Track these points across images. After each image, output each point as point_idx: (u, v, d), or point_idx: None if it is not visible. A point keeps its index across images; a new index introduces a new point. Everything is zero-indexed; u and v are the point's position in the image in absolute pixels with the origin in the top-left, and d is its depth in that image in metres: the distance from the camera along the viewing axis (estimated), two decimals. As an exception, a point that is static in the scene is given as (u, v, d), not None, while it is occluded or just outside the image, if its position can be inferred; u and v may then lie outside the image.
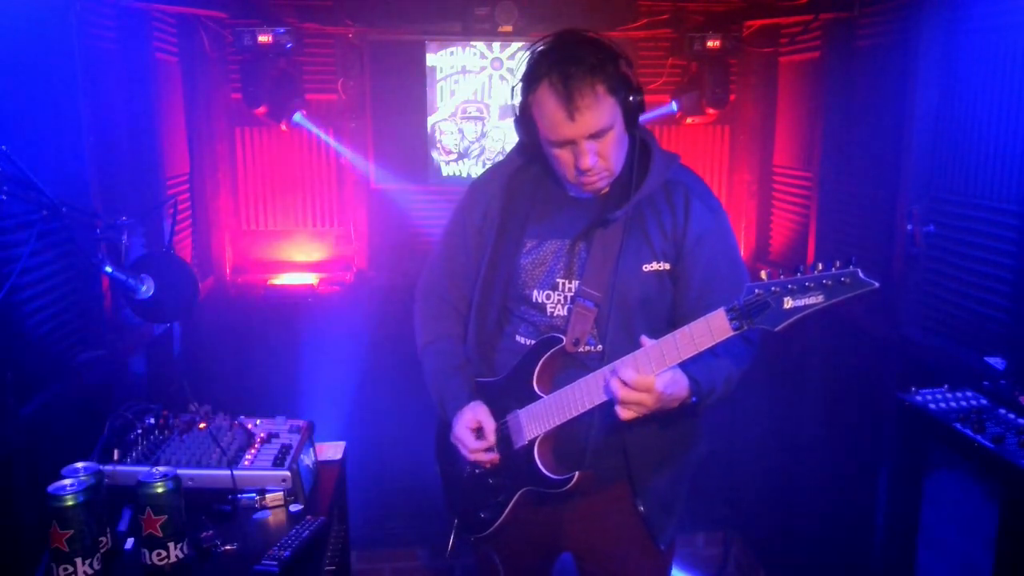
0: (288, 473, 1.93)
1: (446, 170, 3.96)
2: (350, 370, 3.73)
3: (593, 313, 1.74)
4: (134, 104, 2.85)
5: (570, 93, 1.59)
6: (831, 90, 3.22)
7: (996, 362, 2.19)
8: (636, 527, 1.86)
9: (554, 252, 1.80)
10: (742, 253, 4.00)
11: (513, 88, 1.75)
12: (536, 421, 1.76)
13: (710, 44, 3.47)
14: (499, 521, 1.85)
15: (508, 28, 3.63)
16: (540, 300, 1.81)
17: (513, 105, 1.78)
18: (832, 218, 3.25)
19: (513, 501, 1.83)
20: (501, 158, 2.00)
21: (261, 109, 3.43)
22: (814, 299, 1.41)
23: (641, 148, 1.77)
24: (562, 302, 1.80)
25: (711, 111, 3.65)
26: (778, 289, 1.43)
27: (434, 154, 3.93)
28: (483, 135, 3.95)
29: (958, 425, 1.92)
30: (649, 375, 1.53)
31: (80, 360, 2.31)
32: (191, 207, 3.54)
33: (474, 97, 3.90)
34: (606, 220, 1.74)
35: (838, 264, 1.41)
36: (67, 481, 1.58)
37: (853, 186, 3.12)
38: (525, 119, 1.73)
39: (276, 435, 2.11)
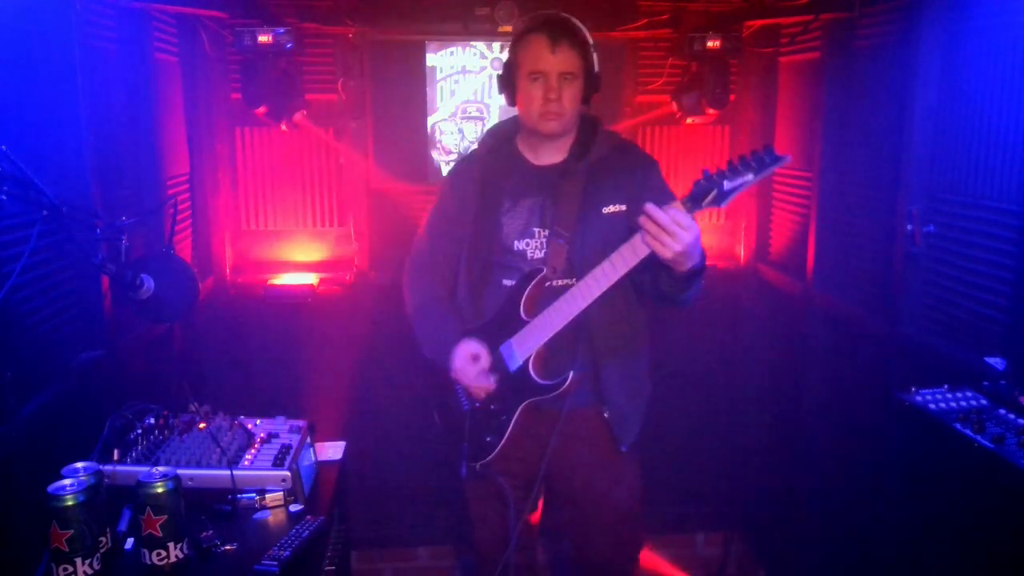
0: (288, 473, 1.93)
1: (446, 170, 3.95)
2: (350, 370, 3.73)
3: (565, 248, 2.12)
4: (134, 104, 2.85)
5: (556, 37, 2.08)
6: (831, 90, 3.22)
7: (996, 362, 2.19)
8: (602, 434, 2.25)
9: (529, 207, 2.20)
10: (741, 253, 4.01)
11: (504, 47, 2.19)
12: (527, 342, 2.11)
13: (710, 44, 3.46)
14: (504, 439, 2.18)
15: (508, 28, 3.63)
16: (521, 248, 2.20)
17: (499, 60, 2.14)
18: (832, 218, 3.25)
19: (514, 418, 2.16)
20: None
21: (261, 109, 3.43)
22: (745, 177, 1.77)
23: (592, 123, 2.25)
24: (539, 247, 2.18)
25: (711, 111, 3.64)
26: (716, 177, 1.79)
27: (434, 154, 3.93)
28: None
29: (958, 425, 1.92)
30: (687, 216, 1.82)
31: (80, 360, 2.31)
32: (191, 207, 3.54)
33: (474, 97, 3.90)
34: (569, 170, 2.18)
35: (757, 151, 1.78)
36: (67, 481, 1.58)
37: (853, 186, 3.11)
38: (508, 68, 2.20)
39: (276, 435, 2.11)
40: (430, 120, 3.89)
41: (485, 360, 2.15)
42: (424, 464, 3.65)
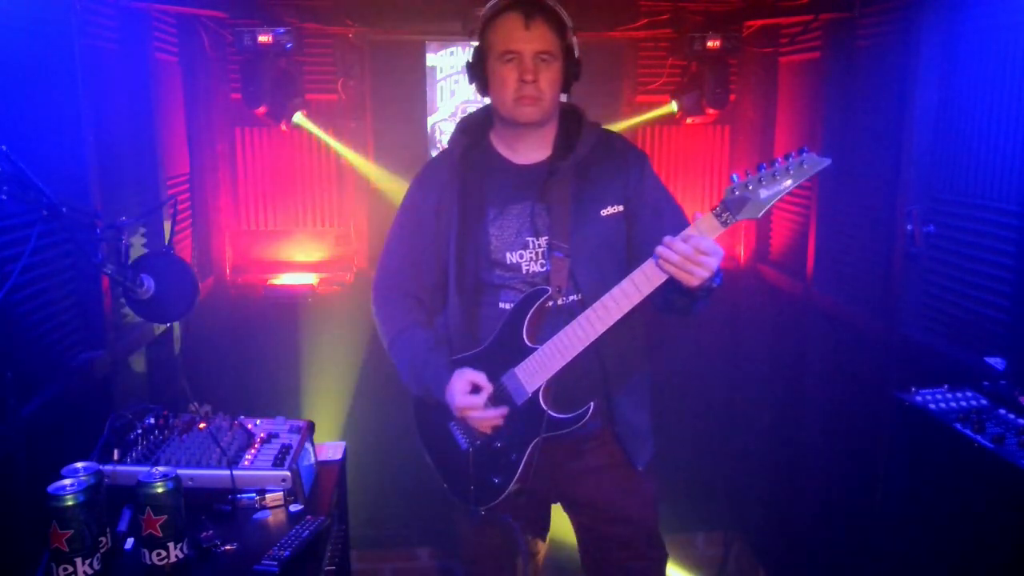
0: (288, 473, 1.92)
1: (446, 170, 3.95)
2: (350, 370, 3.73)
3: (566, 263, 1.91)
4: (134, 104, 2.85)
5: (530, 14, 1.86)
6: (831, 90, 3.22)
7: (996, 362, 2.19)
8: (616, 454, 2.06)
9: (517, 214, 1.96)
10: (741, 253, 4.01)
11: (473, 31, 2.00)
12: (537, 372, 1.88)
13: (710, 44, 3.47)
14: (514, 480, 1.95)
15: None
16: (514, 260, 1.95)
17: (470, 48, 2.02)
18: (832, 218, 3.25)
19: (526, 456, 1.93)
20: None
21: (261, 109, 3.43)
22: (783, 183, 1.61)
23: (575, 116, 2.02)
24: (534, 258, 1.95)
25: (711, 111, 3.65)
26: (752, 184, 1.62)
27: (434, 154, 3.93)
28: (483, 135, 3.94)
29: (958, 425, 1.92)
30: (709, 241, 1.67)
31: (80, 360, 2.31)
32: (191, 207, 3.54)
33: (474, 97, 3.90)
34: (555, 170, 1.94)
35: (793, 153, 1.61)
36: (67, 481, 1.58)
37: (853, 186, 3.11)
38: (478, 54, 1.98)
39: (276, 435, 2.11)
40: (430, 120, 3.89)
41: (487, 390, 1.90)
42: (424, 464, 3.64)
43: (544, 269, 1.94)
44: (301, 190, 3.85)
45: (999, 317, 2.29)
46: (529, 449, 1.93)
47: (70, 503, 1.54)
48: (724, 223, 1.66)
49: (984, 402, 2.05)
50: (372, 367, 3.72)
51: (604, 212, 1.95)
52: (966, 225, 2.44)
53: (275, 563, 1.63)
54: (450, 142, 2.08)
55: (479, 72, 1.98)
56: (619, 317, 1.79)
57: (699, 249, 1.64)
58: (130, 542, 1.73)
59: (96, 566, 1.58)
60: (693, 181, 4.00)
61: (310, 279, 3.81)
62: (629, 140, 2.10)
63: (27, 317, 2.07)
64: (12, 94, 2.05)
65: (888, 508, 2.52)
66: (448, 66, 3.85)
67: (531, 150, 2.00)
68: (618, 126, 3.72)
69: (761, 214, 1.64)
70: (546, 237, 1.93)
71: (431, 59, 3.82)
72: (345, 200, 3.88)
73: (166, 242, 2.37)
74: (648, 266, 1.72)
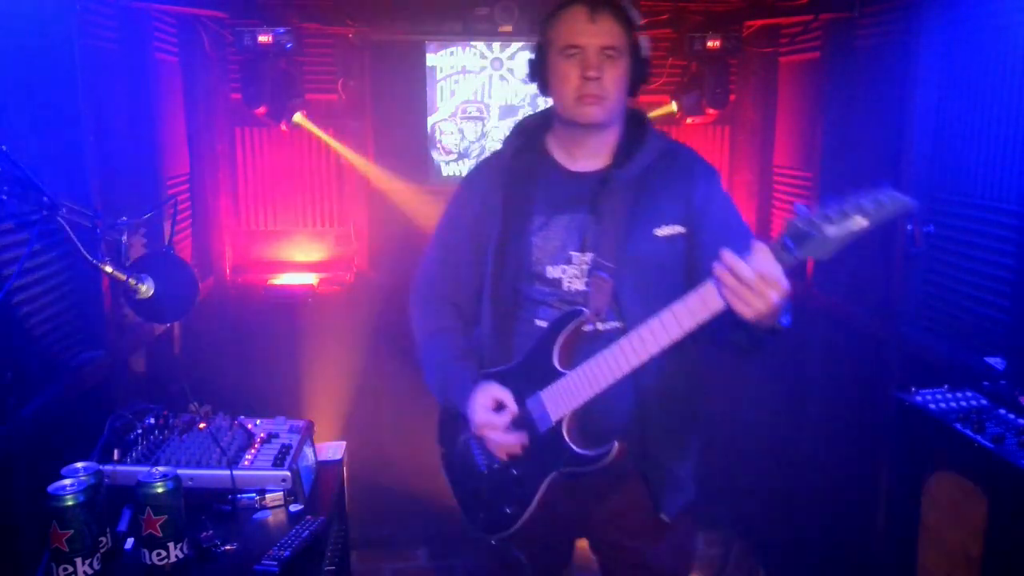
0: (288, 473, 1.92)
1: (446, 170, 3.96)
2: (350, 370, 3.73)
3: (610, 284, 1.72)
4: (134, 104, 2.85)
5: (596, 5, 1.72)
6: (831, 90, 3.22)
7: (996, 362, 2.19)
8: (643, 500, 1.84)
9: (565, 225, 1.78)
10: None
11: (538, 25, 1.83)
12: (562, 399, 1.71)
13: (710, 44, 3.47)
14: (527, 513, 1.80)
15: (508, 28, 3.63)
16: (555, 275, 1.78)
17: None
18: (832, 218, 3.25)
19: (541, 489, 1.77)
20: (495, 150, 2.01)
21: (261, 109, 3.43)
22: (856, 223, 1.38)
23: (639, 122, 1.85)
24: (577, 275, 1.77)
25: (711, 111, 3.65)
26: (819, 219, 1.39)
27: (434, 154, 3.93)
28: (483, 135, 3.95)
29: (958, 425, 1.92)
30: (775, 268, 1.44)
31: (80, 360, 2.31)
32: (191, 207, 3.54)
33: (474, 97, 3.90)
34: (611, 181, 1.76)
35: (871, 189, 1.40)
36: (67, 481, 1.58)
37: (853, 186, 3.09)
38: (539, 50, 1.81)
39: (276, 435, 2.11)
40: (430, 120, 3.89)
41: (511, 410, 1.76)
42: (424, 464, 3.64)
43: (586, 288, 1.76)
44: (301, 190, 3.85)
45: (999, 317, 2.29)
46: (546, 482, 1.77)
47: (70, 503, 1.54)
48: (782, 260, 1.43)
49: (984, 402, 2.04)
50: (372, 367, 3.72)
51: (660, 232, 1.75)
52: (966, 225, 2.44)
53: (275, 563, 1.63)
54: (504, 142, 1.93)
55: (540, 69, 1.81)
56: (660, 350, 1.58)
57: (762, 275, 1.42)
58: (130, 542, 1.73)
59: (96, 566, 1.58)
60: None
61: (310, 279, 3.81)
62: (698, 153, 1.89)
63: (27, 317, 2.07)
64: (12, 94, 2.05)
65: (888, 508, 2.52)
66: (448, 66, 3.85)
67: (589, 156, 1.83)
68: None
69: (828, 256, 1.40)
70: (592, 253, 1.75)
71: (431, 59, 3.82)
72: (345, 200, 3.88)
73: (166, 242, 2.38)
74: (706, 288, 1.50)
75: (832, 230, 1.38)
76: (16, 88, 2.07)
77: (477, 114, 3.92)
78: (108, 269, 1.82)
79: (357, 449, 2.67)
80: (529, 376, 1.76)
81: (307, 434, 2.14)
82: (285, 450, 2.01)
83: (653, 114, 3.80)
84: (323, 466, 2.20)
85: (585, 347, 1.72)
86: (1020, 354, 2.14)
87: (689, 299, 1.52)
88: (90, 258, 1.80)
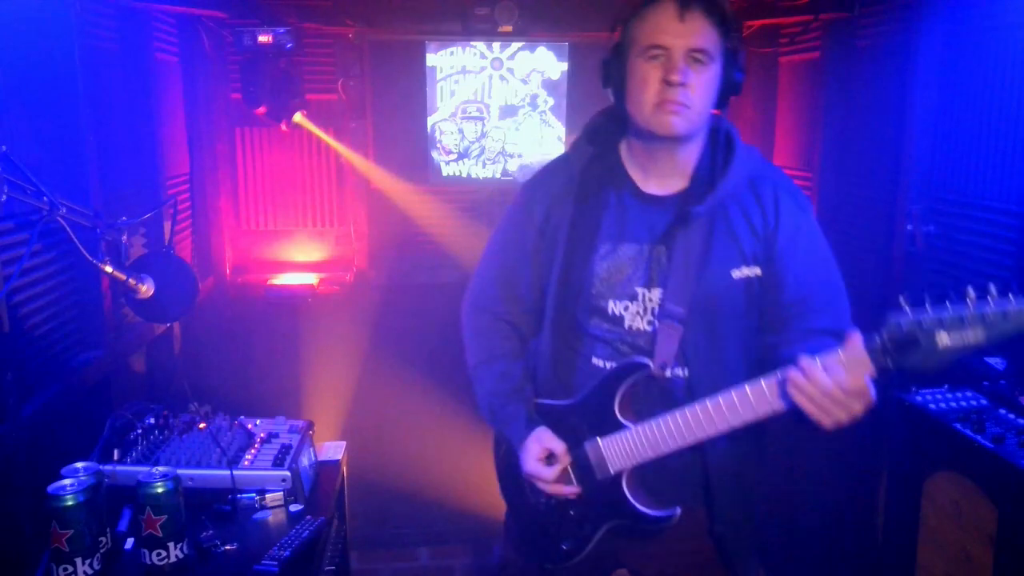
0: (288, 473, 1.92)
1: (446, 170, 3.96)
2: (350, 370, 3.73)
3: (679, 332, 1.55)
4: (134, 104, 2.85)
5: (687, 3, 1.46)
6: (831, 90, 3.22)
7: (996, 362, 2.19)
8: (708, 550, 1.69)
9: (632, 257, 1.59)
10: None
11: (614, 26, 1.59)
12: (623, 452, 1.57)
13: (710, 44, 3.46)
14: (584, 553, 1.68)
15: (508, 28, 3.63)
16: (617, 312, 1.60)
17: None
18: (832, 218, 3.25)
19: (600, 534, 1.66)
20: (563, 150, 1.76)
21: (261, 109, 3.43)
22: (973, 335, 1.18)
23: (725, 139, 1.61)
24: (641, 313, 1.59)
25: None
26: (928, 323, 1.20)
27: (434, 154, 3.93)
28: (483, 135, 3.95)
29: (958, 425, 1.92)
30: (859, 378, 1.29)
31: (80, 360, 2.31)
32: (191, 207, 3.54)
33: (474, 97, 3.90)
34: (688, 215, 1.54)
35: (994, 293, 1.18)
36: (67, 481, 1.58)
37: (853, 186, 3.11)
38: (617, 51, 1.56)
39: (276, 435, 2.10)
40: (430, 120, 3.89)
41: (562, 461, 1.62)
42: (424, 464, 3.65)
43: (650, 328, 1.58)
44: (301, 190, 3.85)
45: (999, 317, 2.29)
46: (604, 528, 1.65)
47: (70, 503, 1.54)
48: (879, 364, 1.26)
49: (984, 402, 2.05)
50: (372, 367, 3.72)
51: (737, 274, 1.55)
52: (966, 225, 2.44)
53: (275, 563, 1.63)
54: (573, 148, 1.69)
55: (616, 72, 1.56)
56: (730, 428, 1.44)
57: (843, 388, 1.28)
58: (130, 542, 1.73)
59: (96, 566, 1.58)
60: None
61: (310, 279, 3.82)
62: (789, 178, 1.64)
63: (27, 317, 2.07)
64: (12, 94, 2.05)
65: (888, 508, 2.52)
66: (448, 66, 3.85)
67: (665, 175, 1.60)
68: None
69: (930, 368, 1.21)
70: (660, 290, 1.56)
71: (431, 59, 3.82)
72: (345, 200, 3.88)
73: (166, 242, 2.38)
74: (773, 385, 1.37)
75: (945, 339, 1.19)
76: (16, 88, 2.07)
77: (477, 114, 3.92)
78: (108, 269, 1.82)
79: (357, 449, 2.67)
80: (587, 419, 1.62)
81: (307, 434, 2.14)
82: (285, 450, 2.01)
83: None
84: (323, 466, 2.20)
85: (648, 397, 1.58)
86: (1020, 354, 2.14)
87: (762, 385, 1.39)
88: (90, 258, 1.80)
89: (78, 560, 1.55)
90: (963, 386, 2.12)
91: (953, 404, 2.04)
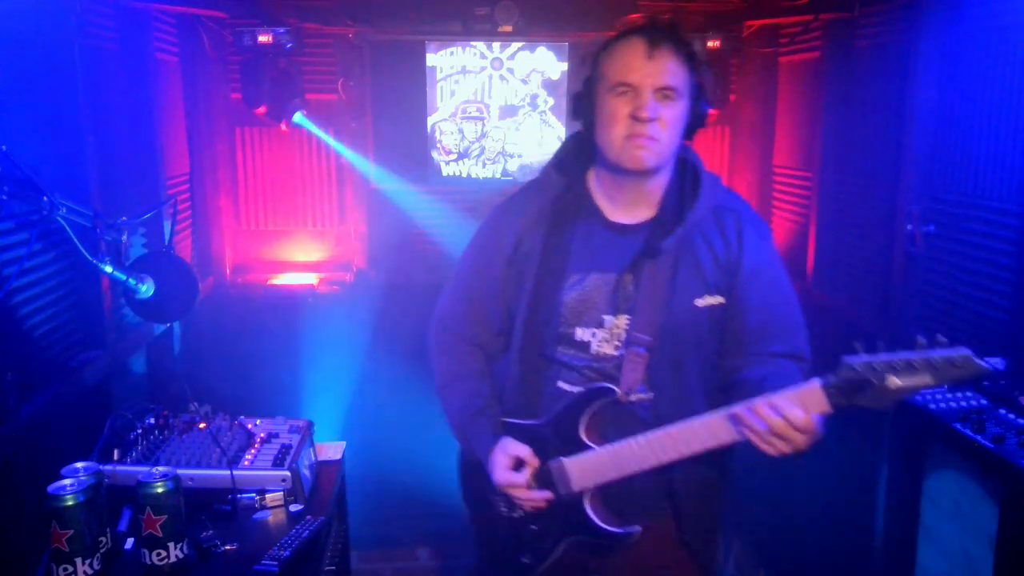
0: (288, 473, 1.92)
1: (446, 170, 3.96)
2: (350, 370, 3.74)
3: (645, 359, 1.60)
4: (134, 104, 2.85)
5: (655, 40, 1.51)
6: (831, 90, 3.22)
7: (996, 362, 2.19)
8: (681, 558, 1.74)
9: (600, 287, 1.63)
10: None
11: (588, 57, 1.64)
12: (586, 473, 1.61)
13: (710, 44, 3.47)
14: (541, 568, 1.72)
15: (508, 28, 3.63)
16: (585, 339, 1.64)
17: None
18: (832, 218, 3.25)
19: (560, 549, 1.70)
20: (534, 176, 1.78)
21: (261, 109, 3.43)
22: (921, 379, 1.26)
23: (692, 169, 1.66)
24: (607, 339, 1.63)
25: (711, 111, 3.65)
26: (879, 366, 1.28)
27: (434, 154, 3.93)
28: (483, 135, 3.95)
29: (958, 425, 1.92)
30: (806, 415, 1.38)
31: (80, 360, 2.31)
32: (191, 207, 3.54)
33: (474, 97, 3.90)
34: (655, 249, 1.59)
35: (944, 342, 1.26)
36: (67, 481, 1.58)
37: (853, 186, 3.11)
38: (588, 85, 1.61)
39: (276, 435, 2.10)
40: (430, 120, 3.89)
41: (529, 468, 1.65)
42: (424, 464, 3.65)
43: (617, 354, 1.62)
44: (301, 190, 3.85)
45: (999, 317, 2.29)
46: (564, 544, 1.69)
47: (70, 503, 1.54)
48: (834, 404, 1.34)
49: (984, 402, 2.05)
50: (372, 367, 3.72)
51: (701, 303, 1.60)
52: (966, 225, 2.44)
53: (275, 563, 1.63)
54: (544, 176, 1.72)
55: (587, 105, 1.60)
56: (692, 453, 1.51)
57: (793, 425, 1.36)
58: (130, 542, 1.73)
59: (96, 566, 1.58)
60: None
61: (310, 279, 3.82)
62: (750, 207, 1.70)
63: (27, 318, 2.07)
64: (13, 94, 2.05)
65: (888, 508, 2.52)
66: (448, 66, 3.85)
67: (633, 205, 1.64)
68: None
69: (880, 408, 1.30)
70: (627, 317, 1.61)
71: (431, 59, 3.82)
72: (345, 200, 3.88)
73: (166, 242, 2.38)
74: (720, 421, 1.46)
75: (895, 381, 1.27)
76: (16, 88, 2.07)
77: (477, 114, 3.92)
78: (108, 269, 1.82)
79: (357, 449, 2.67)
80: (553, 439, 1.65)
81: (307, 434, 2.13)
82: (285, 450, 2.01)
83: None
84: (323, 466, 2.20)
85: (613, 419, 1.62)
86: (1020, 354, 2.14)
87: (709, 420, 1.47)
88: (90, 258, 1.80)
89: (78, 560, 1.55)
90: (963, 386, 2.12)
91: (953, 404, 2.04)
